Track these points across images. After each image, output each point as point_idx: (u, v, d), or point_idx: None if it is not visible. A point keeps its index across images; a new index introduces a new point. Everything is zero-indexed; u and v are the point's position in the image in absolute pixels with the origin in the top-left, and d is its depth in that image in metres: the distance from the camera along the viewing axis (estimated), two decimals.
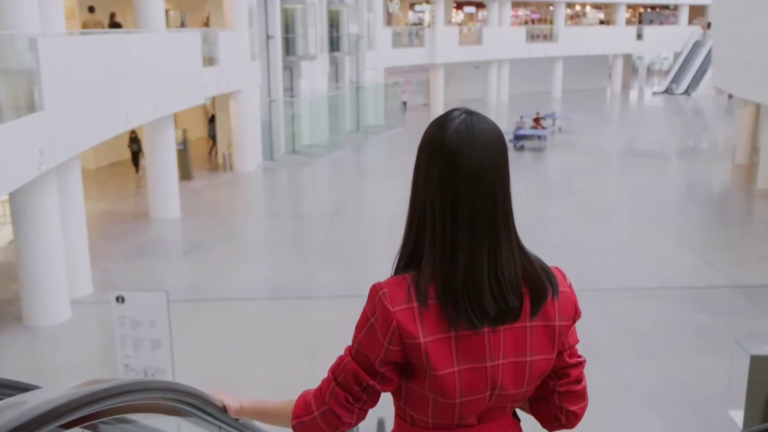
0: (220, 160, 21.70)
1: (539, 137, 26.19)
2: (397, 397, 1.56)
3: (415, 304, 1.42)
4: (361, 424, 1.61)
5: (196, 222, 15.93)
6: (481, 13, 44.86)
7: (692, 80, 42.40)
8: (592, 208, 17.29)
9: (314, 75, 24.24)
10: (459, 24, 45.00)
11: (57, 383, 1.55)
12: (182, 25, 23.96)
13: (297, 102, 23.15)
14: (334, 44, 25.61)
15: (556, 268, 1.54)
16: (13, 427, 1.17)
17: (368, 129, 28.43)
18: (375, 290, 1.46)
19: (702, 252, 13.91)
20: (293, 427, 1.59)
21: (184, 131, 19.77)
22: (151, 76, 13.84)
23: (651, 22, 51.22)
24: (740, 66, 18.99)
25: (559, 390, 1.57)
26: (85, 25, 16.57)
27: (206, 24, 23.35)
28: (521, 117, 27.20)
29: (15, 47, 9.51)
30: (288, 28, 22.45)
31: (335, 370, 1.54)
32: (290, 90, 23.27)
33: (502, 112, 35.52)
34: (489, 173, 1.41)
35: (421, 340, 1.41)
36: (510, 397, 1.50)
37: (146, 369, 5.84)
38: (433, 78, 35.75)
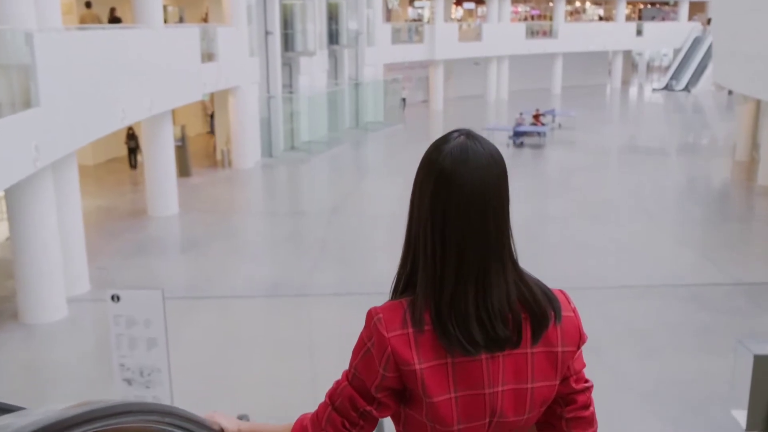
0: (218, 156, 21.64)
1: (539, 134, 26.13)
2: (396, 422, 1.54)
3: (410, 330, 1.39)
4: None
5: (195, 219, 15.87)
6: (481, 10, 44.72)
7: (692, 76, 42.33)
8: (591, 206, 17.23)
9: (313, 71, 24.16)
10: (458, 20, 44.93)
11: (43, 406, 1.48)
12: (181, 20, 23.88)
13: (296, 98, 23.08)
14: (333, 37, 25.50)
15: (560, 291, 1.51)
16: None
17: (367, 125, 28.37)
18: (371, 315, 1.44)
19: (702, 249, 13.85)
20: None
21: (183, 127, 19.71)
22: (149, 72, 13.75)
23: (653, 18, 51.14)
24: (741, 62, 18.93)
25: (566, 416, 1.54)
26: (82, 20, 16.45)
27: (205, 20, 23.27)
28: (521, 113, 27.14)
29: (11, 42, 9.42)
30: (287, 23, 22.37)
31: (332, 395, 1.51)
32: (289, 86, 23.20)
33: (501, 108, 35.47)
34: (481, 196, 1.39)
35: (417, 366, 1.39)
36: (511, 425, 1.47)
37: (142, 368, 5.78)
38: (433, 74, 35.67)
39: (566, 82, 41.47)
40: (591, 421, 1.56)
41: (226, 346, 9.72)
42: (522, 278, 1.45)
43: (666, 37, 45.25)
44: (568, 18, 46.61)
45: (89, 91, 11.10)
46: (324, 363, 8.76)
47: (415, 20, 41.50)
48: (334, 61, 26.66)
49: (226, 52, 18.50)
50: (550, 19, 43.38)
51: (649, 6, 51.77)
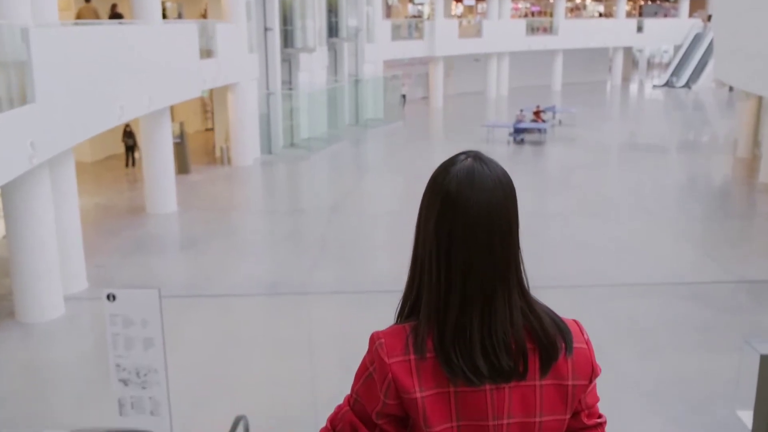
0: (217, 153, 21.55)
1: (539, 130, 26.07)
2: None
3: (412, 357, 1.35)
4: None
5: (193, 216, 15.79)
6: (481, 6, 44.60)
7: (693, 73, 42.25)
8: (592, 203, 17.16)
9: (313, 68, 24.06)
10: (459, 16, 44.82)
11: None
12: (179, 16, 23.79)
13: (295, 95, 22.99)
14: (333, 30, 25.38)
15: (574, 321, 1.46)
16: None
17: (367, 122, 28.28)
18: (373, 340, 1.41)
19: (704, 247, 13.78)
20: None
21: (182, 124, 19.62)
22: (147, 68, 13.66)
23: (653, 14, 51.04)
24: (742, 58, 18.85)
25: None
26: (80, 15, 16.26)
27: (204, 16, 23.17)
28: (521, 110, 27.06)
29: (7, 38, 9.33)
30: (286, 20, 22.26)
31: (333, 420, 1.48)
32: (289, 83, 23.11)
33: (501, 105, 35.38)
34: (487, 218, 1.35)
35: (418, 395, 1.34)
36: None
37: (138, 369, 5.70)
38: (433, 71, 35.57)
39: (566, 79, 41.40)
40: None
41: (225, 344, 9.64)
42: (531, 306, 1.40)
43: (666, 34, 45.18)
44: (569, 14, 46.52)
45: (86, 88, 11.01)
46: (323, 362, 8.69)
47: (414, 16, 41.38)
48: (334, 57, 26.56)
49: (225, 48, 18.41)
50: (551, 15, 43.29)
51: (649, 2, 51.65)
